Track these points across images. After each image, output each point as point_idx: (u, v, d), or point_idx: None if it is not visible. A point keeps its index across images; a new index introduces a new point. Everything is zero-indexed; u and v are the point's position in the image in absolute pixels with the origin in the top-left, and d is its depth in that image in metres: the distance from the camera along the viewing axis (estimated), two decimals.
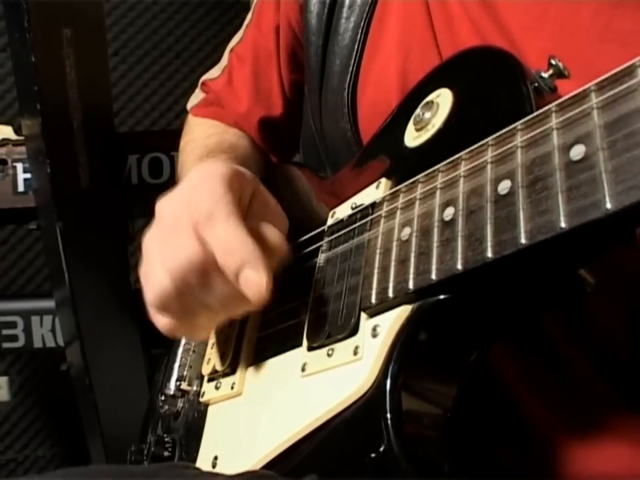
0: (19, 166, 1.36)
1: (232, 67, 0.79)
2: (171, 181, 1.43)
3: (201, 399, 0.57)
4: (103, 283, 1.31)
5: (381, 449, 0.34)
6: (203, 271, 0.41)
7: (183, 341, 0.65)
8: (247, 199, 0.47)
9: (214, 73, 0.82)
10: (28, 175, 1.36)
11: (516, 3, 0.52)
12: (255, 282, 0.40)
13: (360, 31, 0.61)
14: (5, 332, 1.55)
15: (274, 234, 0.44)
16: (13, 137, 1.47)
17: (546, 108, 0.33)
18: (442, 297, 0.35)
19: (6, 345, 1.55)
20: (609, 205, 0.27)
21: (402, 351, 0.35)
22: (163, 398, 0.64)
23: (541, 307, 0.37)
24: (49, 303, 1.50)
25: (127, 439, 0.83)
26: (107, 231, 1.30)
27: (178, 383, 0.61)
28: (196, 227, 0.42)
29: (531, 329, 0.44)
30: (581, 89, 0.32)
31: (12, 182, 1.37)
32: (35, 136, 1.16)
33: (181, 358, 0.65)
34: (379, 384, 0.35)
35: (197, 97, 0.83)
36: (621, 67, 0.30)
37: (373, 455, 0.34)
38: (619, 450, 0.51)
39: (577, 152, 0.29)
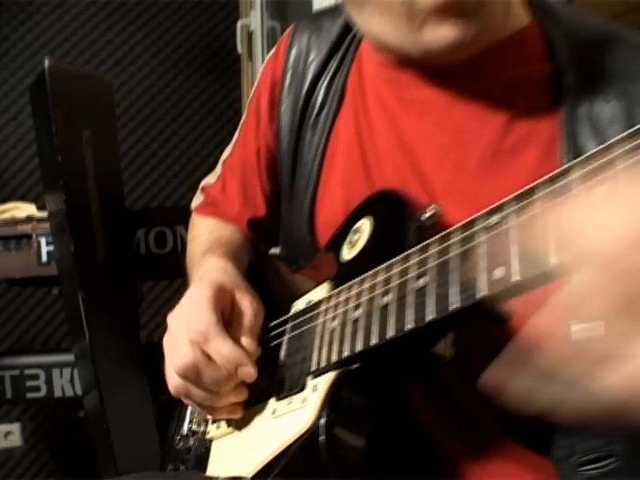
0: (43, 240, 1.56)
1: (225, 177, 0.96)
2: (174, 251, 1.63)
3: (207, 437, 0.76)
4: (117, 339, 1.48)
5: (318, 461, 0.54)
6: (194, 367, 0.65)
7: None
8: (228, 308, 0.69)
9: (211, 179, 1.00)
10: (50, 248, 1.56)
11: (426, 149, 0.70)
12: (248, 373, 0.65)
13: (316, 162, 0.79)
14: (28, 383, 1.73)
15: (249, 343, 0.68)
16: (37, 214, 1.67)
17: (420, 245, 0.53)
18: (354, 366, 0.55)
19: (30, 395, 1.73)
20: (430, 316, 0.48)
21: (331, 401, 0.55)
22: (178, 437, 0.83)
23: (412, 372, 0.57)
24: (68, 357, 1.68)
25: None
26: (120, 294, 1.48)
27: (190, 425, 0.80)
28: (195, 342, 0.65)
29: (433, 378, 0.64)
30: (442, 233, 0.52)
31: (36, 254, 1.58)
32: (58, 214, 1.37)
33: (192, 407, 0.84)
34: (316, 421, 0.55)
35: (197, 198, 1.01)
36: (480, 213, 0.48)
37: (313, 465, 0.54)
38: (505, 468, 0.67)
39: (422, 282, 0.50)
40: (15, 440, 2.70)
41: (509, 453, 0.67)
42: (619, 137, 0.40)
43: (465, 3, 0.61)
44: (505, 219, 0.45)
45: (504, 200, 0.47)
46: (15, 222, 1.58)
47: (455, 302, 0.46)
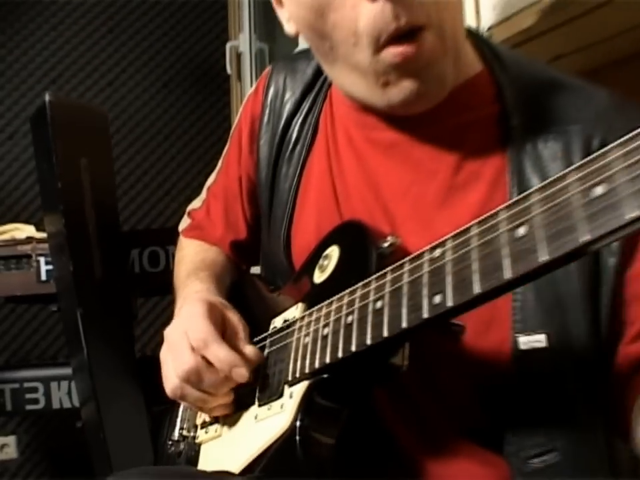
0: (42, 259, 1.65)
1: (209, 202, 1.04)
2: (167, 270, 1.71)
3: (196, 441, 0.85)
4: (113, 353, 1.55)
5: (295, 458, 0.63)
6: (197, 371, 0.73)
7: (183, 404, 0.92)
8: (220, 322, 0.77)
9: (196, 204, 1.08)
10: (49, 267, 1.64)
11: (389, 184, 0.78)
12: (241, 374, 0.73)
13: (292, 192, 0.87)
14: (27, 396, 1.80)
15: (250, 349, 0.76)
16: (36, 235, 1.76)
17: (382, 272, 0.63)
18: (324, 376, 0.64)
19: (29, 407, 1.80)
20: (385, 334, 0.57)
21: (305, 406, 0.64)
22: (170, 442, 0.91)
23: (374, 381, 0.66)
24: (65, 370, 1.75)
25: None
26: (116, 310, 1.56)
27: (180, 431, 0.89)
28: (196, 348, 0.73)
29: (394, 385, 0.72)
30: (397, 263, 0.61)
31: (36, 272, 1.66)
32: (57, 236, 1.45)
33: (182, 414, 0.92)
34: (292, 424, 0.64)
35: (184, 222, 1.09)
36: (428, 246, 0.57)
37: (290, 462, 0.63)
38: (463, 464, 0.74)
39: (379, 305, 0.59)
40: (11, 452, 2.74)
41: (465, 451, 0.74)
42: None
43: (422, 62, 0.69)
44: (445, 253, 0.54)
45: (446, 237, 0.56)
46: (15, 242, 1.66)
47: (404, 322, 0.55)
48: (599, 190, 0.43)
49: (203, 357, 0.73)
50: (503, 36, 1.16)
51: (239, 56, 3.05)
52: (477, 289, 0.49)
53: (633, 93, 1.15)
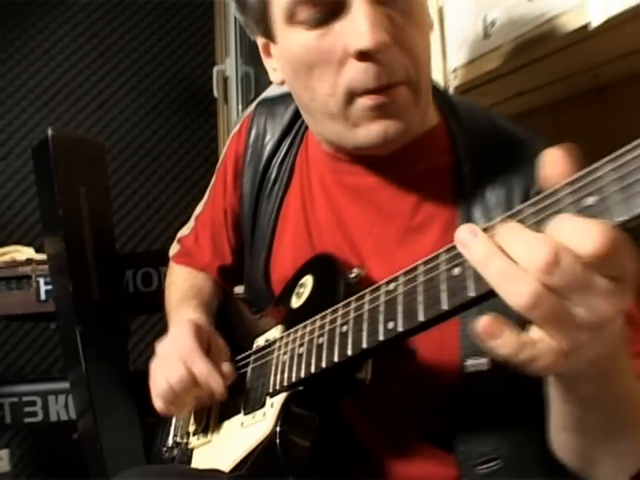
0: (41, 280, 1.75)
1: (197, 230, 1.13)
2: (159, 289, 1.81)
3: (188, 447, 0.95)
4: (109, 367, 1.65)
5: (273, 461, 0.74)
6: (184, 379, 0.84)
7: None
8: (206, 343, 0.89)
9: (185, 231, 1.17)
10: (49, 287, 1.74)
11: (356, 223, 0.87)
12: (220, 391, 0.84)
13: (270, 227, 0.95)
14: (26, 409, 1.89)
15: (225, 365, 0.87)
16: (36, 256, 1.86)
17: (345, 301, 0.74)
18: (300, 388, 0.76)
19: (27, 419, 1.89)
20: (349, 353, 0.68)
21: (284, 414, 0.76)
22: (164, 449, 1.02)
23: (342, 392, 0.78)
24: (62, 385, 1.85)
25: None
26: (112, 328, 1.66)
27: (174, 439, 0.99)
28: (183, 360, 0.84)
29: (360, 395, 0.83)
30: (359, 294, 0.72)
31: (35, 292, 1.76)
32: (57, 259, 1.56)
33: (175, 423, 1.03)
34: (273, 429, 0.76)
35: (174, 248, 1.19)
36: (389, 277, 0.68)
37: (272, 462, 0.75)
38: (421, 465, 0.83)
39: (345, 328, 0.71)
40: (4, 466, 2.78)
41: (422, 452, 0.84)
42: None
43: (393, 110, 0.77)
44: (397, 287, 0.66)
45: (398, 273, 0.66)
46: (16, 264, 1.76)
47: (364, 344, 0.67)
48: None
49: (188, 368, 0.85)
50: (467, 77, 1.25)
51: (225, 79, 3.15)
52: (421, 317, 0.61)
53: (589, 125, 1.27)
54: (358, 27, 0.72)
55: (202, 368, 0.85)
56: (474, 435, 0.79)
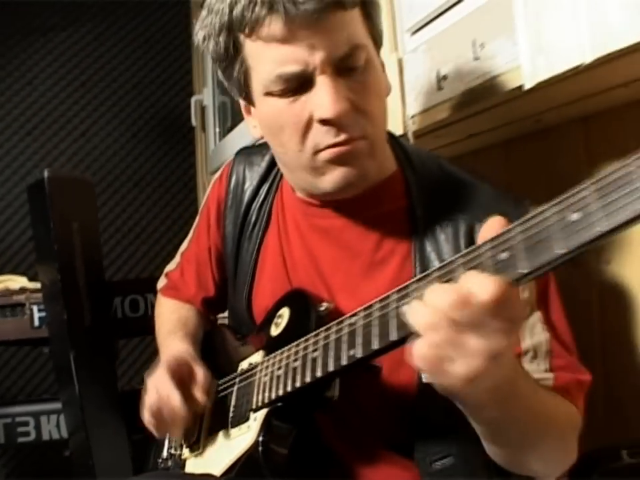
0: (35, 307, 1.85)
1: (183, 266, 1.24)
2: (146, 316, 1.95)
3: (182, 457, 1.08)
4: (99, 388, 1.75)
5: (256, 467, 0.88)
6: (159, 407, 0.97)
7: None
8: (187, 374, 1.00)
9: (171, 266, 1.29)
10: (42, 314, 1.84)
11: (326, 260, 0.99)
12: (177, 404, 0.95)
13: (251, 264, 1.06)
14: (19, 429, 1.98)
15: (199, 395, 0.99)
16: (29, 285, 1.97)
17: (317, 331, 0.88)
18: (279, 404, 0.90)
19: (21, 439, 1.98)
20: (319, 374, 0.83)
21: (265, 427, 0.90)
22: (160, 460, 1.13)
23: (314, 407, 0.91)
24: (53, 405, 1.95)
25: None
26: (102, 351, 1.78)
27: (169, 450, 1.12)
28: (156, 388, 0.98)
29: (330, 409, 0.96)
30: (327, 325, 0.85)
31: (29, 319, 1.86)
32: (52, 288, 1.68)
33: (169, 438, 1.14)
34: (257, 439, 0.89)
35: (162, 281, 1.31)
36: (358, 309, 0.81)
37: (256, 467, 0.88)
38: (386, 469, 0.94)
39: (316, 354, 0.85)
40: None
41: (387, 458, 0.95)
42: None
43: (352, 159, 0.89)
44: (357, 320, 0.80)
45: (359, 309, 0.79)
46: (10, 293, 1.87)
47: (330, 367, 0.81)
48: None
49: (158, 393, 0.97)
50: (423, 123, 1.37)
51: (203, 109, 3.27)
52: (375, 346, 0.74)
53: (536, 162, 1.40)
54: (321, 100, 0.86)
55: (165, 392, 0.97)
56: (430, 437, 0.91)
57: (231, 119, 3.19)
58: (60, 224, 1.57)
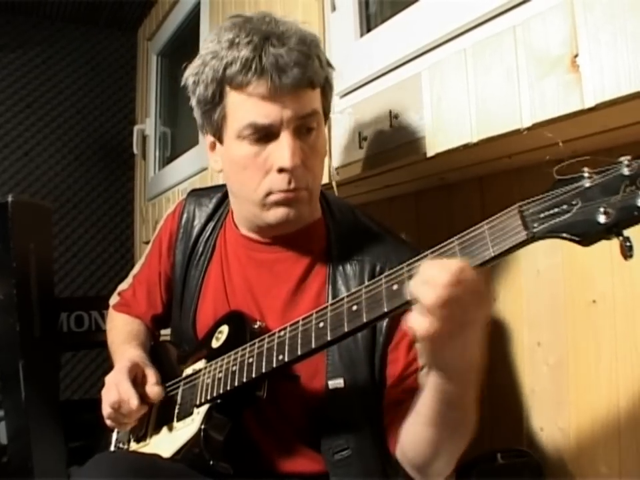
0: None
1: (135, 286, 1.40)
2: (89, 330, 2.09)
3: (129, 450, 1.26)
4: (43, 397, 1.88)
5: (198, 450, 1.08)
6: (118, 402, 1.11)
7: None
8: (140, 375, 1.17)
9: (123, 286, 1.46)
10: None
11: (259, 286, 1.17)
12: (133, 399, 1.11)
13: (197, 289, 1.23)
14: None
15: (151, 390, 1.15)
16: None
17: (250, 342, 1.10)
18: (218, 401, 1.10)
19: None
20: (253, 375, 1.04)
21: (206, 419, 1.09)
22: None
23: (245, 404, 1.11)
24: None
25: None
26: (47, 362, 1.90)
27: (117, 444, 1.28)
28: (115, 385, 1.13)
29: (257, 407, 1.14)
30: (260, 337, 1.07)
31: None
32: (8, 301, 1.81)
33: (116, 435, 1.30)
34: (199, 428, 1.08)
35: (114, 298, 1.47)
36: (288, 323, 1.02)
37: (196, 452, 1.08)
38: (301, 460, 1.11)
39: (250, 360, 1.06)
40: None
41: (301, 451, 1.12)
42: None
43: (294, 202, 1.07)
44: (285, 334, 1.01)
45: (286, 324, 1.01)
46: None
47: (263, 369, 1.02)
48: (354, 307, 0.93)
49: (117, 390, 1.11)
50: (346, 175, 1.58)
51: (144, 138, 3.42)
52: (299, 352, 0.97)
53: (441, 211, 1.63)
54: (282, 152, 1.05)
55: (124, 389, 1.11)
56: (333, 433, 1.09)
57: (170, 149, 3.33)
58: (18, 244, 1.72)
